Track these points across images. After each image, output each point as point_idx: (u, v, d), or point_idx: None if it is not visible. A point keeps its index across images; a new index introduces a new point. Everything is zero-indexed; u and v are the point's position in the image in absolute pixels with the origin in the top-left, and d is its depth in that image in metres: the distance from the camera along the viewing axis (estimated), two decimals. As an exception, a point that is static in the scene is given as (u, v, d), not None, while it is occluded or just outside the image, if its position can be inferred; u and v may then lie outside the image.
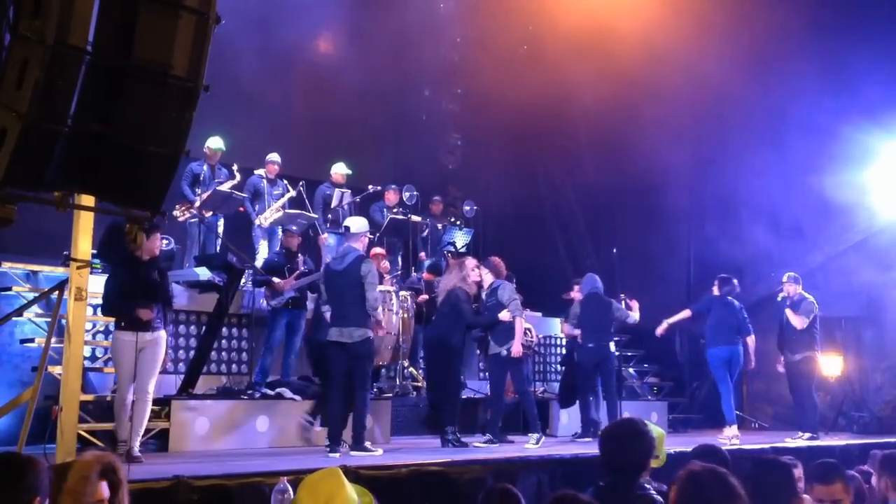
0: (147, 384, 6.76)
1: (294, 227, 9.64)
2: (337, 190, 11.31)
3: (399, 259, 11.61)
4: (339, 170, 11.40)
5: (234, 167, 10.37)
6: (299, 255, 9.22)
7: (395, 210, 11.53)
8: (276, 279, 8.73)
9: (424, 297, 10.32)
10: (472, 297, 8.80)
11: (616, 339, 10.17)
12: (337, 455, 7.16)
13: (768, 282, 11.67)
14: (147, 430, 7.37)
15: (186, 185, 10.07)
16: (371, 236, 9.67)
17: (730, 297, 9.83)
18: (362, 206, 11.62)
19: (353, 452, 7.26)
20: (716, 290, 9.94)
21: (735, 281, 9.96)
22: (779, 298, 10.22)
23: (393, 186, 11.75)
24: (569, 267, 13.71)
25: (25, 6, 3.20)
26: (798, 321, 9.86)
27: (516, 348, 8.55)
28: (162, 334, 6.92)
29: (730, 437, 9.31)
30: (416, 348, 10.36)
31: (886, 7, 11.34)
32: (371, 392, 8.01)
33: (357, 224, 7.98)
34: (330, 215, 11.19)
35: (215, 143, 10.31)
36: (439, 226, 12.30)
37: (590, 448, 7.48)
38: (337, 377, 7.56)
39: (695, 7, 11.35)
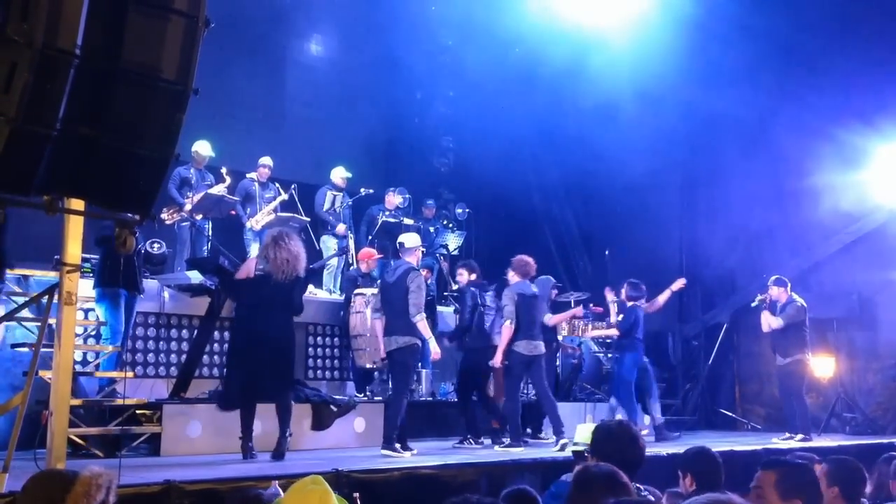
0: None
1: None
2: (329, 193, 11.32)
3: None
4: (339, 173, 11.43)
5: (224, 170, 10.32)
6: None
7: (387, 213, 11.53)
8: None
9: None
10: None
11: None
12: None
13: (760, 283, 11.68)
14: (138, 435, 7.35)
15: (174, 188, 10.04)
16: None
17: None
18: (359, 208, 11.63)
19: (382, 451, 7.44)
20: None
21: None
22: (752, 304, 10.30)
23: (394, 189, 11.76)
24: (561, 269, 13.69)
25: (13, 9, 3.18)
26: (774, 322, 9.91)
27: (497, 358, 8.34)
28: None
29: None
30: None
31: (874, 8, 11.36)
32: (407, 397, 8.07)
33: (411, 240, 8.22)
34: (331, 218, 11.24)
35: (203, 148, 10.27)
36: (431, 229, 12.30)
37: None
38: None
39: (686, 9, 11.38)
